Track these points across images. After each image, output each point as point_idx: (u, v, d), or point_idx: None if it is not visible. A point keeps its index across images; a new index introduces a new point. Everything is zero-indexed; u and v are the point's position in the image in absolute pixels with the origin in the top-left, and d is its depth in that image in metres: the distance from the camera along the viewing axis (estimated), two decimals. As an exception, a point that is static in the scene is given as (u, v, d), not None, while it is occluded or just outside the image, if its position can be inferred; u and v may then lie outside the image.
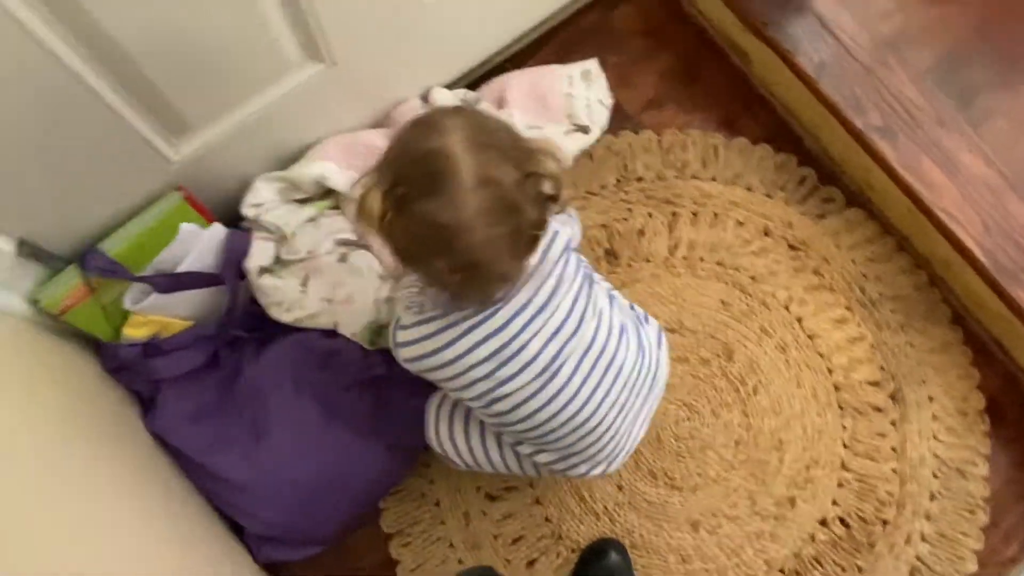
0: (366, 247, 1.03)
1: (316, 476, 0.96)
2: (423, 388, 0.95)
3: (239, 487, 0.94)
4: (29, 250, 0.80)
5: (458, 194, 0.59)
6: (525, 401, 0.73)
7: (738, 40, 1.19)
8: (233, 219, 1.00)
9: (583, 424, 0.75)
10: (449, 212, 0.59)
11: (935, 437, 1.09)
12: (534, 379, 0.72)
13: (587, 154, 1.18)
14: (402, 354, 0.74)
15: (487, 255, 0.62)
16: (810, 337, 1.13)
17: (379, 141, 1.03)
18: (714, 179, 1.19)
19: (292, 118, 0.93)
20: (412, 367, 0.74)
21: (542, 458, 0.83)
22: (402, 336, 0.73)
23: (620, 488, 1.06)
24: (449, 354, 0.71)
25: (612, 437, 0.79)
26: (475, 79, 1.17)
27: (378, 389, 0.98)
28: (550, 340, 0.71)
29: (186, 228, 0.89)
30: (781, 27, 1.11)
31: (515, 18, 1.13)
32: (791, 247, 1.16)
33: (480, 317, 0.69)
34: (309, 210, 1.01)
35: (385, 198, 0.61)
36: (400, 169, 0.62)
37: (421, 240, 0.62)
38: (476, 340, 0.70)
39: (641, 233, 1.16)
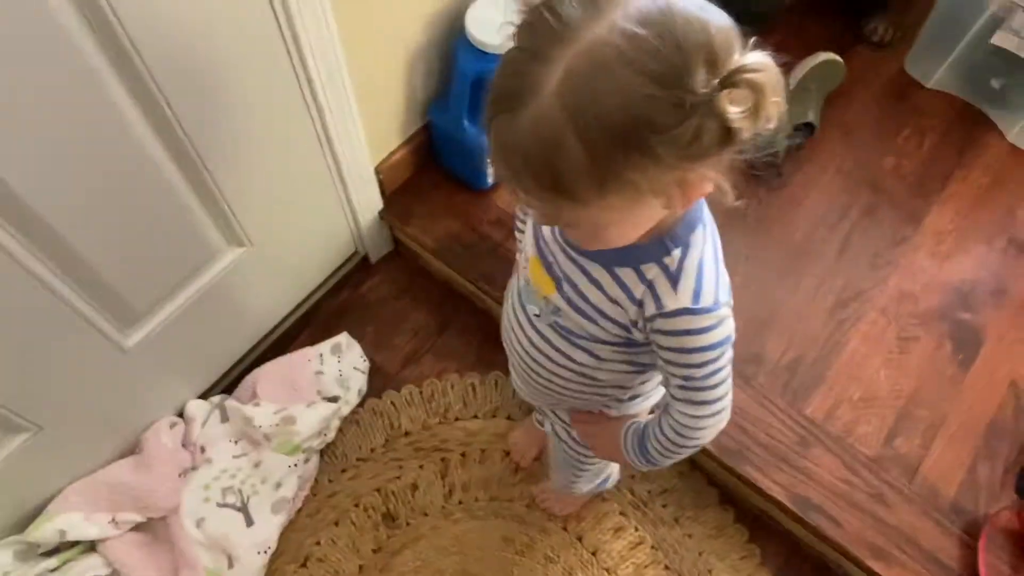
0: (120, 584, 1.02)
1: None
2: None
3: None
4: None
5: None
6: None
7: (469, 288, 1.32)
8: (-26, 592, 0.99)
9: None
10: None
11: (738, 626, 1.09)
12: None
13: (354, 421, 1.24)
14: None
15: None
16: (593, 554, 1.14)
17: (125, 474, 1.07)
18: (476, 416, 1.26)
19: (17, 484, 0.96)
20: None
21: None
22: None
23: None
24: None
25: None
26: (234, 379, 1.25)
27: None
28: None
29: (-100, 628, 0.87)
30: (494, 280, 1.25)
31: (255, 321, 1.23)
32: (557, 466, 1.21)
33: None
34: (52, 561, 1.01)
35: None
36: None
37: None
38: None
39: (415, 488, 1.20)
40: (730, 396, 0.64)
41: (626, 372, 0.69)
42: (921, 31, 1.46)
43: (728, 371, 0.61)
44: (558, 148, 0.44)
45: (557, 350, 0.69)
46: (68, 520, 1.01)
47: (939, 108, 1.46)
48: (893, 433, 1.12)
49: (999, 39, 1.34)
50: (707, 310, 0.57)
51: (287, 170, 1.05)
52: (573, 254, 0.62)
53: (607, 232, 0.52)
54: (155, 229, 0.91)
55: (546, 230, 0.65)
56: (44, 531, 1.00)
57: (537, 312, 0.69)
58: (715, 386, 0.61)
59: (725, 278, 0.59)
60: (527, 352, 0.72)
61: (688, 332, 0.58)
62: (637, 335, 0.62)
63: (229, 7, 0.80)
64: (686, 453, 0.68)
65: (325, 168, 1.12)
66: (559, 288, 0.64)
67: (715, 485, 1.19)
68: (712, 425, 0.64)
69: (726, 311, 0.58)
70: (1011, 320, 1.22)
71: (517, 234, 0.85)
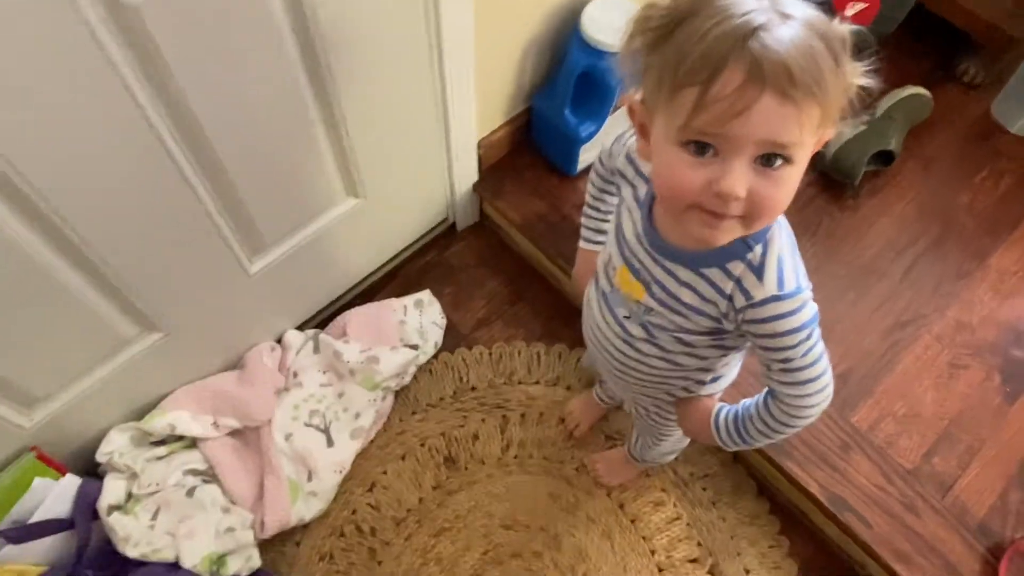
0: (215, 479, 1.16)
1: None
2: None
3: None
4: None
5: None
6: None
7: (547, 265, 1.42)
8: (95, 467, 1.13)
9: None
10: None
11: (759, 608, 1.17)
12: None
13: (427, 370, 1.36)
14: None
15: None
16: (632, 521, 1.24)
17: (229, 385, 1.20)
18: (538, 382, 1.36)
19: (140, 379, 1.10)
20: None
21: None
22: None
23: None
24: None
25: None
26: (327, 316, 1.38)
27: (217, 616, 1.06)
28: None
29: (38, 482, 1.02)
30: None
31: (352, 268, 1.36)
32: (608, 437, 1.30)
33: None
34: (161, 449, 1.15)
35: None
36: None
37: None
38: None
39: (476, 437, 1.30)
40: (830, 372, 0.69)
41: (713, 357, 0.76)
42: (1013, 77, 1.49)
43: (822, 347, 0.67)
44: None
45: (650, 343, 0.75)
46: (178, 417, 1.15)
47: (1020, 153, 1.50)
48: (932, 451, 1.18)
49: (1090, 93, 1.38)
50: (791, 294, 0.64)
51: (406, 133, 1.17)
52: (661, 259, 0.69)
53: (794, 184, 0.57)
54: (294, 169, 1.03)
55: (631, 238, 0.71)
56: (157, 423, 1.13)
57: (627, 314, 0.76)
58: (814, 363, 0.67)
59: (802, 267, 0.66)
60: (619, 350, 0.79)
61: (778, 317, 0.64)
62: (727, 325, 0.69)
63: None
64: (792, 432, 0.73)
65: (437, 136, 1.23)
66: (649, 291, 0.71)
67: (754, 477, 1.27)
68: (820, 402, 0.70)
69: (808, 294, 0.65)
70: (1063, 363, 1.27)
71: (583, 243, 0.92)
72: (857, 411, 1.21)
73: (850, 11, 1.44)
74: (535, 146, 1.43)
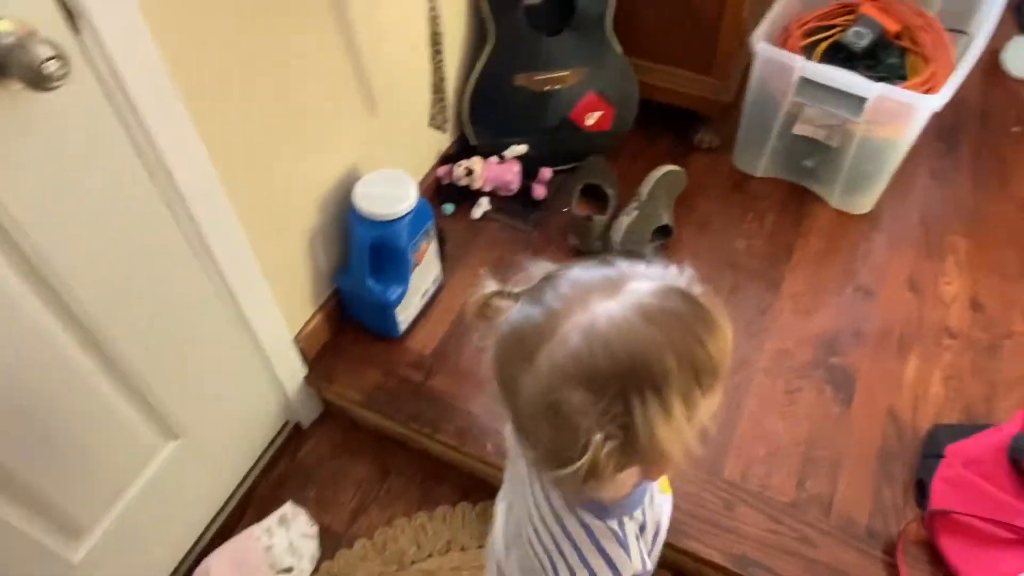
0: None
1: None
2: None
3: None
4: None
5: None
6: None
7: (401, 431, 1.40)
8: None
9: None
10: None
11: None
12: None
13: (312, 589, 1.26)
14: None
15: None
16: (567, 662, 1.17)
17: None
18: (431, 555, 1.30)
19: None
20: None
21: None
22: None
23: None
24: None
25: None
26: (186, 571, 1.25)
27: None
28: None
29: None
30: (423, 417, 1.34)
31: (199, 510, 1.26)
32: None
33: None
34: None
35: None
36: None
37: None
38: None
39: (383, 641, 1.21)
40: None
41: None
42: (739, 133, 1.74)
43: None
44: None
45: None
46: None
47: (771, 192, 1.71)
48: (802, 478, 1.24)
49: (799, 129, 1.62)
50: None
51: (210, 358, 1.13)
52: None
53: None
54: (89, 436, 0.96)
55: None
56: None
57: None
58: None
59: None
60: None
61: None
62: None
63: (143, 233, 0.92)
64: None
65: (246, 349, 1.20)
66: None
67: (665, 567, 1.26)
68: None
69: None
70: (873, 354, 1.41)
71: None
72: (725, 466, 1.25)
73: (589, 120, 1.63)
74: (353, 320, 1.44)
